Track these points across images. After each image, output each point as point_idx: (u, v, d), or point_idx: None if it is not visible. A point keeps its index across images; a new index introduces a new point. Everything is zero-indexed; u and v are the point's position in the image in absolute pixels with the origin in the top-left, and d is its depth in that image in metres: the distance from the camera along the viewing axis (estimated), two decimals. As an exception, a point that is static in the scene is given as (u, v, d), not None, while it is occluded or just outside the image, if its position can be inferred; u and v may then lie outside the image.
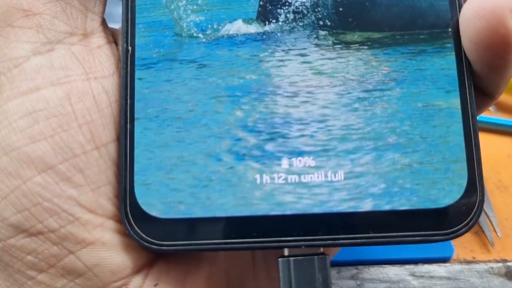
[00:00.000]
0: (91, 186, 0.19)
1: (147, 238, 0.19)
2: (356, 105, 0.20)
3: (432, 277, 0.38)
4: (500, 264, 0.38)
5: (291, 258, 0.19)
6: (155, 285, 0.20)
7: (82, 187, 0.19)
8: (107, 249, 0.19)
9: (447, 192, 0.19)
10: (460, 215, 0.19)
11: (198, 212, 0.19)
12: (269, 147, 0.19)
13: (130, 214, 0.19)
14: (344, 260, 0.37)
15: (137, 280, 0.20)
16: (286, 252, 0.19)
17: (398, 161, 0.19)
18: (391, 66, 0.20)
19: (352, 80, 0.20)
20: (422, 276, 0.37)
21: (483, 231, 0.40)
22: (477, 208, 0.19)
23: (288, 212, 0.19)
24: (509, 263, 0.38)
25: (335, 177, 0.19)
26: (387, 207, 0.19)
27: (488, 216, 0.41)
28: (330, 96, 0.20)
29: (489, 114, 0.49)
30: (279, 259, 0.19)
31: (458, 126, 0.19)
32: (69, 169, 0.19)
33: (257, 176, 0.19)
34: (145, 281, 0.20)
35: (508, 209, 0.42)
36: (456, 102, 0.20)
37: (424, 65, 0.20)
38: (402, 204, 0.19)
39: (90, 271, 0.19)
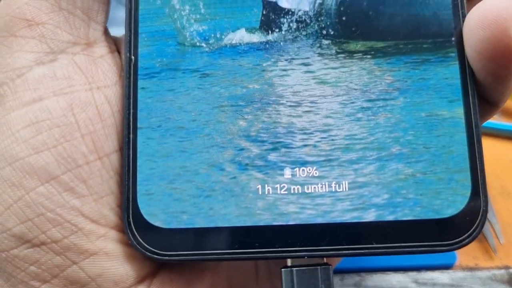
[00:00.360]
0: (94, 196, 0.19)
1: (150, 248, 0.19)
2: (360, 115, 0.20)
3: (435, 284, 0.38)
4: (503, 271, 0.38)
5: (294, 269, 0.19)
6: None
7: (85, 197, 0.19)
8: (110, 259, 0.20)
9: (450, 203, 0.19)
10: (464, 226, 0.19)
11: (200, 222, 0.19)
12: (272, 157, 0.19)
13: (132, 224, 0.19)
14: (347, 267, 0.37)
15: None
16: (289, 262, 0.19)
17: (401, 171, 0.19)
18: (395, 76, 0.20)
19: (355, 89, 0.20)
20: (425, 283, 0.38)
21: (485, 238, 0.40)
22: (480, 218, 0.19)
23: (291, 223, 0.19)
24: (511, 270, 0.38)
25: (339, 187, 0.19)
26: (390, 218, 0.19)
27: (490, 223, 0.41)
28: (333, 105, 0.20)
29: (492, 119, 0.49)
30: (282, 269, 0.19)
31: (462, 136, 0.19)
32: (72, 179, 0.19)
33: (260, 186, 0.19)
34: None
35: (511, 216, 0.42)
36: (459, 111, 0.20)
37: (427, 75, 0.20)
38: (405, 214, 0.19)
39: (93, 282, 0.19)
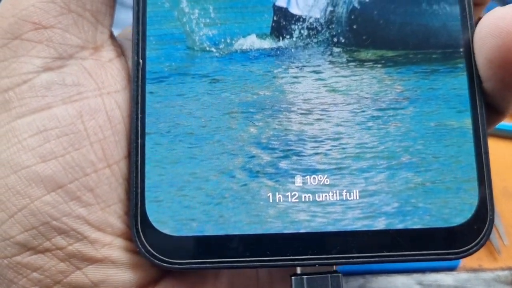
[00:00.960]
0: (101, 205, 0.20)
1: (159, 256, 0.20)
2: (370, 124, 0.20)
3: (439, 286, 0.38)
4: (507, 272, 0.39)
5: (305, 277, 0.20)
6: None
7: (92, 206, 0.19)
8: (115, 266, 0.20)
9: (458, 211, 0.20)
10: (471, 234, 0.20)
11: (210, 230, 0.20)
12: (283, 164, 0.20)
13: (141, 231, 0.20)
14: (351, 269, 0.37)
15: None
16: (298, 270, 0.20)
17: (411, 180, 0.20)
18: (404, 85, 0.21)
19: (366, 98, 0.20)
20: (429, 285, 0.38)
21: (489, 239, 0.40)
22: (487, 227, 0.20)
23: (302, 231, 0.20)
24: None
25: (350, 196, 0.20)
26: (400, 226, 0.19)
27: (494, 224, 0.40)
28: (344, 114, 0.20)
29: None
30: (292, 277, 0.20)
31: (470, 146, 0.20)
32: (79, 188, 0.19)
33: (271, 194, 0.20)
34: None
35: (514, 217, 0.42)
36: (467, 122, 0.20)
37: (436, 85, 0.21)
38: (415, 223, 0.19)
39: (95, 287, 0.20)
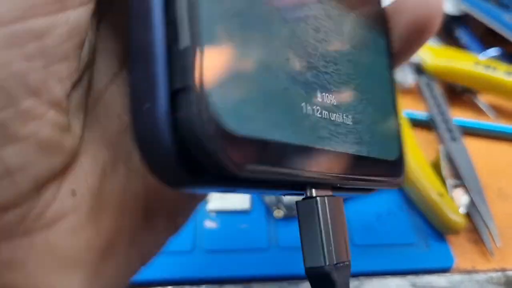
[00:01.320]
0: (46, 60, 0.15)
1: (234, 160, 0.14)
2: (350, 57, 0.21)
3: (433, 287, 0.37)
4: (500, 274, 0.39)
5: (325, 197, 0.18)
6: (72, 192, 0.17)
7: (35, 59, 0.15)
8: (39, 149, 0.15)
9: (394, 147, 0.22)
10: (400, 167, 0.22)
11: (270, 134, 0.15)
12: (309, 76, 0.18)
13: (204, 121, 0.13)
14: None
15: (53, 187, 0.16)
16: (314, 193, 0.18)
17: (372, 116, 0.21)
18: (356, 32, 0.21)
19: (341, 33, 0.21)
20: (423, 287, 0.38)
21: (482, 241, 0.41)
22: (404, 163, 0.22)
23: (328, 148, 0.18)
24: (508, 272, 0.40)
25: (348, 120, 0.20)
26: (373, 155, 0.20)
27: (487, 226, 0.41)
28: (336, 42, 0.20)
29: (489, 121, 0.51)
30: (317, 198, 0.18)
31: (391, 88, 0.22)
32: (26, 32, 0.14)
33: (304, 104, 0.17)
34: (61, 187, 0.17)
35: (509, 219, 0.43)
36: (388, 69, 0.23)
37: (369, 35, 0.22)
38: (378, 153, 0.21)
39: (9, 177, 0.15)
